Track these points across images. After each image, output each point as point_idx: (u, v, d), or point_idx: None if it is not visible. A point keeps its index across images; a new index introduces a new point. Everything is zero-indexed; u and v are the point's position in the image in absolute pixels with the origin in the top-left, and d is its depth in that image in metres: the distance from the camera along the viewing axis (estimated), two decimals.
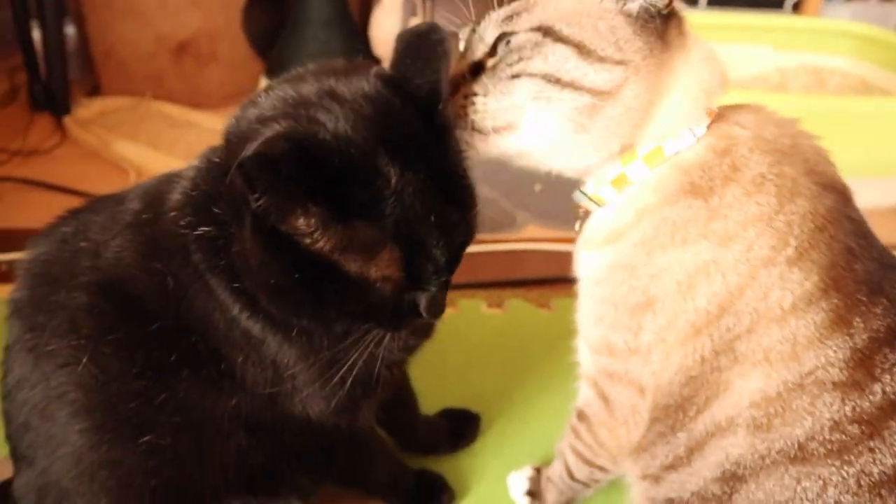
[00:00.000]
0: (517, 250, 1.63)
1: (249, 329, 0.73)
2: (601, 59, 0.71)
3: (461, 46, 0.80)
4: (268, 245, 0.64)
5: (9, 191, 1.83)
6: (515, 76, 0.72)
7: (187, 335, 0.73)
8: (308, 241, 0.61)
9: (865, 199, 0.80)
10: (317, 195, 0.59)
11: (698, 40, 0.76)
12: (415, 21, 2.16)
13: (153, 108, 2.24)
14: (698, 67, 0.75)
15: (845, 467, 0.66)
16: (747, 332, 0.70)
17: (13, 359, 0.77)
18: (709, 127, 0.75)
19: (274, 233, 0.62)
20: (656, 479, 0.79)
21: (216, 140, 0.73)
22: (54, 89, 2.13)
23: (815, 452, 0.67)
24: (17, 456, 0.79)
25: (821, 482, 0.67)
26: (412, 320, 0.70)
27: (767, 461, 0.69)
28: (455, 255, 0.68)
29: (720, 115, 0.77)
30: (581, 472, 0.93)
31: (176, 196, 0.74)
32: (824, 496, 0.67)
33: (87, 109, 2.18)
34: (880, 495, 0.65)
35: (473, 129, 0.75)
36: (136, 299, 0.73)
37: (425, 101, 0.66)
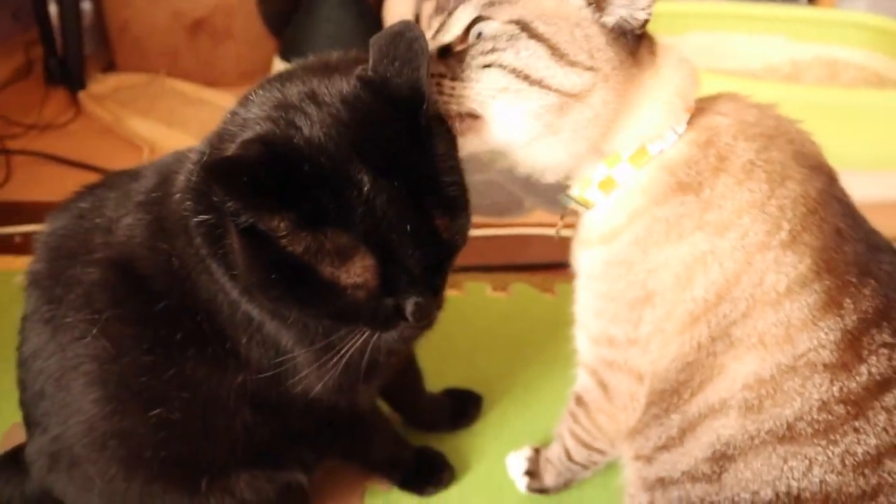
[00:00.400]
0: (523, 235, 1.64)
1: (250, 312, 0.74)
2: (572, 63, 0.71)
3: (433, 26, 0.79)
4: (246, 243, 0.64)
5: (23, 164, 1.86)
6: (486, 66, 0.72)
7: (193, 315, 0.74)
8: (284, 242, 0.61)
9: (876, 192, 0.81)
10: (286, 201, 0.59)
11: (667, 51, 0.77)
12: (429, 5, 2.15)
13: (167, 84, 2.25)
14: (670, 79, 0.76)
15: (831, 447, 0.68)
16: (743, 316, 0.72)
17: (30, 329, 0.79)
18: (689, 122, 0.76)
19: (252, 231, 0.62)
20: (649, 459, 0.81)
21: None
22: (70, 64, 2.15)
23: (803, 432, 0.69)
24: (30, 422, 0.82)
25: (807, 462, 0.69)
26: (397, 324, 0.68)
27: (756, 441, 0.71)
28: (438, 265, 0.67)
29: (699, 109, 0.77)
30: (579, 454, 0.95)
31: (182, 178, 0.75)
32: (809, 475, 0.69)
33: (101, 85, 2.20)
34: (863, 474, 0.67)
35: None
36: (144, 278, 0.75)
37: (407, 103, 0.64)
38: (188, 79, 2.26)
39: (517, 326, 1.38)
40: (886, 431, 0.67)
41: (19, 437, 0.87)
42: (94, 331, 0.75)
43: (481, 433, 1.15)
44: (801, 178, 0.73)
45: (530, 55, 0.71)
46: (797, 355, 0.70)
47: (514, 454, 1.08)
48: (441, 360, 1.24)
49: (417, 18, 2.15)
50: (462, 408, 1.16)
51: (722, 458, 0.73)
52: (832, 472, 0.68)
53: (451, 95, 0.73)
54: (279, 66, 2.05)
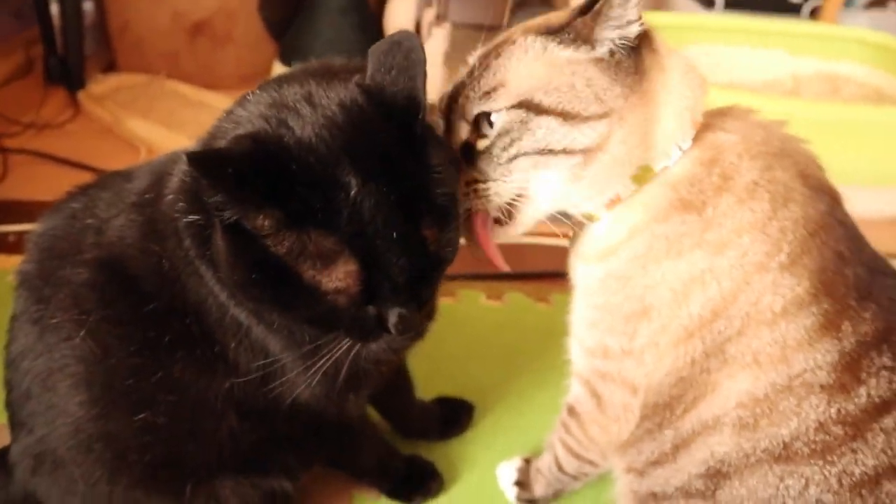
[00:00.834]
0: (518, 243, 1.62)
1: (238, 316, 0.74)
2: (586, 119, 0.70)
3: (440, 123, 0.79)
4: (230, 240, 0.63)
5: (20, 163, 1.85)
6: (511, 159, 0.73)
7: (182, 317, 0.74)
8: (268, 241, 0.61)
9: (876, 208, 0.81)
10: (273, 198, 0.59)
11: (672, 53, 0.75)
12: (430, 12, 2.16)
13: (167, 86, 2.24)
14: (679, 88, 0.74)
15: (828, 467, 0.68)
16: (738, 334, 0.71)
17: (18, 328, 0.79)
18: (694, 138, 0.75)
19: (236, 229, 0.61)
20: (641, 473, 0.81)
21: None
22: (70, 64, 2.14)
23: (800, 452, 0.69)
24: (16, 423, 0.81)
25: (803, 481, 0.68)
26: (380, 335, 0.68)
27: (752, 459, 0.71)
28: (424, 276, 0.66)
29: (705, 125, 0.76)
30: (570, 465, 0.94)
31: (175, 179, 0.74)
32: (806, 494, 0.68)
33: (101, 85, 2.19)
34: (860, 495, 0.67)
35: (495, 221, 0.77)
36: (134, 279, 0.74)
37: (403, 112, 0.64)
38: (188, 81, 2.25)
39: (511, 335, 1.37)
40: (885, 453, 0.67)
41: (4, 439, 0.86)
42: (82, 332, 0.74)
43: (472, 442, 1.15)
44: (804, 199, 0.73)
45: (545, 132, 0.71)
46: (792, 375, 0.69)
47: (504, 464, 1.07)
48: (434, 369, 1.23)
49: (418, 25, 2.15)
50: (453, 416, 1.16)
51: (716, 475, 0.73)
52: (829, 491, 0.67)
53: (491, 196, 0.75)
54: (279, 70, 2.05)
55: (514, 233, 0.78)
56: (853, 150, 1.71)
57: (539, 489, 1.02)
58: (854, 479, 0.67)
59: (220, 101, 2.12)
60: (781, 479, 0.69)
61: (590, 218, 0.79)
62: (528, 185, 0.74)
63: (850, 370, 0.68)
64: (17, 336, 0.79)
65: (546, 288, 1.49)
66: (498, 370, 1.28)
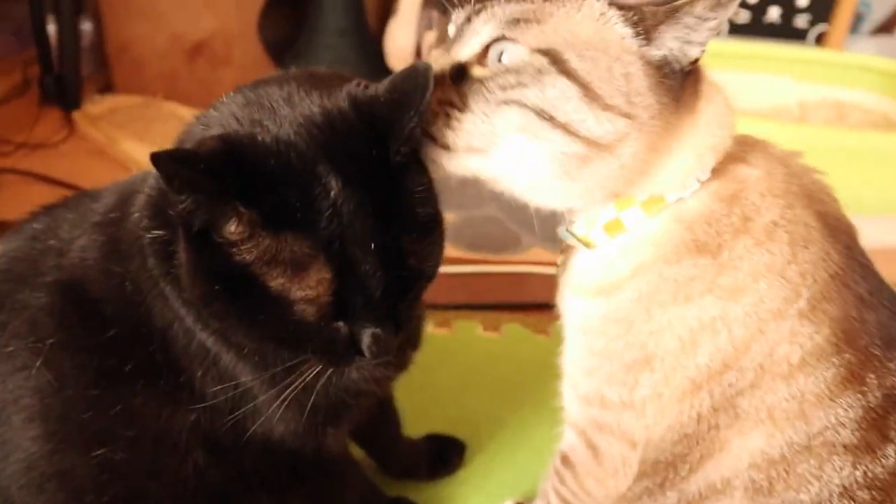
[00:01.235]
0: (518, 272, 1.59)
1: (205, 342, 0.70)
2: (606, 108, 0.62)
3: (450, 31, 0.70)
4: (194, 249, 0.60)
5: (11, 183, 1.81)
6: (505, 102, 0.63)
7: (145, 344, 0.70)
8: (234, 249, 0.58)
9: (882, 238, 0.76)
10: (248, 197, 0.56)
11: (712, 94, 0.68)
12: (431, 35, 2.14)
13: (164, 108, 2.22)
14: (708, 131, 0.67)
15: None
16: (751, 387, 0.66)
17: None
18: (714, 169, 0.67)
19: (201, 237, 0.59)
20: None
21: None
22: (66, 83, 2.13)
23: None
24: None
25: None
26: (352, 359, 0.64)
27: None
28: (401, 293, 0.63)
29: (726, 156, 0.69)
30: None
31: (143, 196, 0.71)
32: None
33: (97, 105, 2.18)
34: None
35: (441, 145, 0.67)
36: (95, 302, 0.70)
37: (383, 132, 0.61)
38: (186, 103, 2.23)
39: (508, 368, 1.32)
40: None
41: None
42: (38, 361, 0.69)
43: (463, 483, 1.09)
44: (824, 240, 0.67)
45: (558, 95, 0.61)
46: (812, 434, 0.63)
47: None
48: (425, 401, 1.19)
49: (419, 49, 2.13)
50: (443, 455, 1.10)
51: None
52: None
53: (459, 130, 0.65)
54: None
55: (442, 162, 0.67)
56: (861, 177, 1.68)
57: None
58: None
59: None
60: None
61: (586, 244, 0.72)
62: (497, 145, 0.65)
63: (876, 428, 0.62)
64: None
65: (546, 319, 1.43)
66: (493, 404, 1.23)
